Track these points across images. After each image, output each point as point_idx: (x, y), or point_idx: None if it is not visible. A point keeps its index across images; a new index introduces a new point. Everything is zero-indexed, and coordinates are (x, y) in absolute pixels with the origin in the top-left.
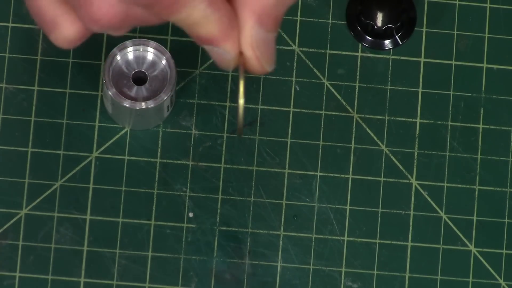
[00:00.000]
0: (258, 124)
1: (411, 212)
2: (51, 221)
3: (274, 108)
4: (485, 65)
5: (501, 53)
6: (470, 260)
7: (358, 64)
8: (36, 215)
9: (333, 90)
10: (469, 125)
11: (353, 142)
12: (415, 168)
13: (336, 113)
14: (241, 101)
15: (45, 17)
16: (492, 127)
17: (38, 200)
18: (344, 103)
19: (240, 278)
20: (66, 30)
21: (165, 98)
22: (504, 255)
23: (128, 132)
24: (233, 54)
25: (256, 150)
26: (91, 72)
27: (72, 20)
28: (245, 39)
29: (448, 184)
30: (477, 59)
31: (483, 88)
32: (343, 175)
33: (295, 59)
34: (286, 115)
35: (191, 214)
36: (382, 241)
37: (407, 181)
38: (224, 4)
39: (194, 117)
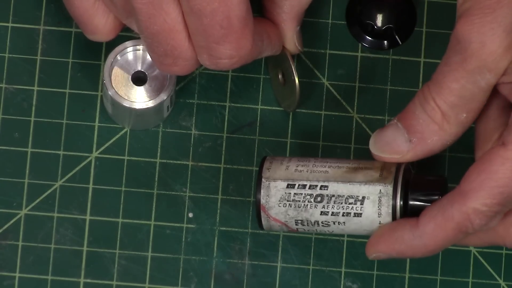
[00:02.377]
0: (258, 124)
1: None
2: (51, 221)
3: (274, 108)
4: None
5: None
6: (470, 260)
7: (358, 64)
8: (36, 215)
9: (333, 90)
10: None
11: (353, 142)
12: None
13: (336, 113)
14: (297, 80)
15: (79, 10)
16: None
17: (38, 200)
18: (344, 103)
19: (240, 279)
20: (99, 22)
21: (165, 98)
22: (504, 255)
23: (128, 132)
24: (279, 51)
25: (256, 150)
26: (91, 72)
27: (104, 10)
28: (290, 41)
29: (449, 184)
30: None
31: None
32: None
33: (295, 59)
34: (286, 115)
35: (190, 215)
36: None
37: None
38: (272, 28)
39: (194, 117)
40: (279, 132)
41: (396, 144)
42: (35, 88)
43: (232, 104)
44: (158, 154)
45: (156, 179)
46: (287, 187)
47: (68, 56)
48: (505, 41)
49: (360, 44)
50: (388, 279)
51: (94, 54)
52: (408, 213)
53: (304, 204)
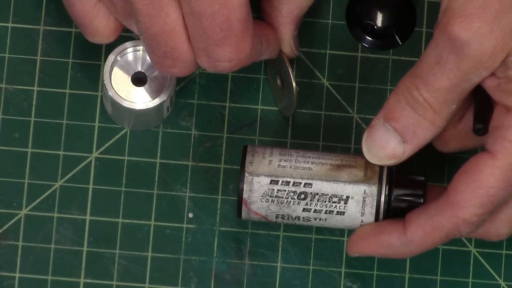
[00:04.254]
0: (258, 124)
1: None
2: (51, 221)
3: (274, 108)
4: None
5: None
6: (470, 261)
7: (358, 64)
8: (36, 215)
9: (333, 90)
10: None
11: (353, 142)
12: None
13: (336, 113)
14: (294, 84)
15: (80, 12)
16: None
17: (38, 200)
18: (344, 103)
19: (240, 279)
20: (100, 24)
21: (165, 98)
22: (504, 255)
23: (128, 132)
24: (276, 54)
25: None
26: (91, 73)
27: (104, 13)
28: (287, 45)
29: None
30: None
31: None
32: None
33: (295, 59)
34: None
35: (191, 215)
36: None
37: None
38: (270, 31)
39: (194, 118)
40: (279, 132)
41: (391, 148)
42: (35, 88)
43: (232, 104)
44: (158, 154)
45: (156, 179)
46: (271, 183)
47: (68, 56)
48: (502, 40)
49: (360, 44)
50: (388, 279)
51: (94, 54)
52: (391, 213)
53: (287, 201)
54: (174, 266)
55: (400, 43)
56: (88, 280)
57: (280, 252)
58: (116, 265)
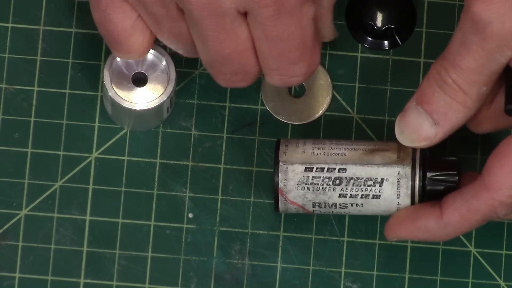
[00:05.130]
0: (258, 124)
1: None
2: (51, 221)
3: None
4: None
5: None
6: (470, 261)
7: (358, 64)
8: (36, 215)
9: (333, 90)
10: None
11: None
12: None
13: (336, 113)
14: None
15: (118, 29)
16: None
17: (38, 200)
18: (344, 103)
19: (240, 279)
20: (136, 40)
21: (165, 99)
22: (504, 255)
23: (128, 132)
24: None
25: (256, 151)
26: (91, 73)
27: (142, 29)
28: (328, 30)
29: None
30: None
31: None
32: None
33: None
34: None
35: (190, 215)
36: (382, 242)
37: None
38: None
39: (194, 118)
40: (279, 132)
41: (423, 130)
42: (35, 88)
43: (232, 104)
44: (158, 154)
45: (156, 179)
46: (305, 170)
47: (68, 56)
48: None
49: (360, 44)
50: (388, 279)
51: (94, 55)
52: (426, 194)
53: (323, 187)
54: (174, 266)
55: (400, 43)
56: (88, 280)
57: (280, 252)
58: (116, 265)
